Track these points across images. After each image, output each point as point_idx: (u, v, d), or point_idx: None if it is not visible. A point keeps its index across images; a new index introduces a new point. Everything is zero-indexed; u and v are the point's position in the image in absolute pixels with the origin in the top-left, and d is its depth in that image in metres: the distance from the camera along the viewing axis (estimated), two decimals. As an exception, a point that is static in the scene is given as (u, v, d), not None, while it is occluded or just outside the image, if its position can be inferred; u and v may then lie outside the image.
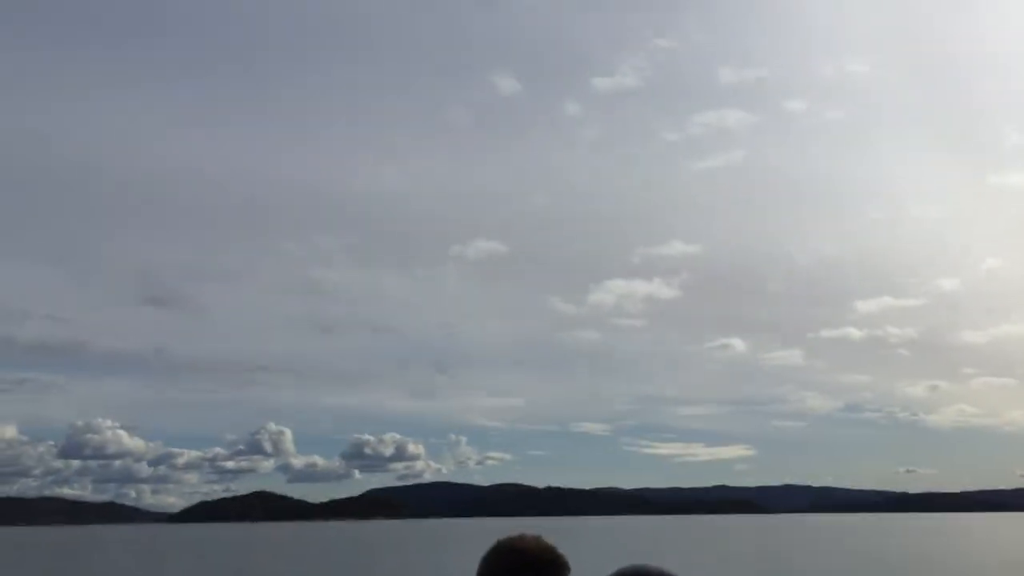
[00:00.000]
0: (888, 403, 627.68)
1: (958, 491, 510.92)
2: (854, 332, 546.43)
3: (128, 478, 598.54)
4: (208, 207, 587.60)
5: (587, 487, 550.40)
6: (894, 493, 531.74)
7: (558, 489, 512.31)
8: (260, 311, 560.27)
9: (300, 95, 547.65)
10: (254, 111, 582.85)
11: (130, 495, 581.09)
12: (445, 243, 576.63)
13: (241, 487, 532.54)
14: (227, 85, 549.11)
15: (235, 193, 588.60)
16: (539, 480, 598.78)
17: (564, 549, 1.93)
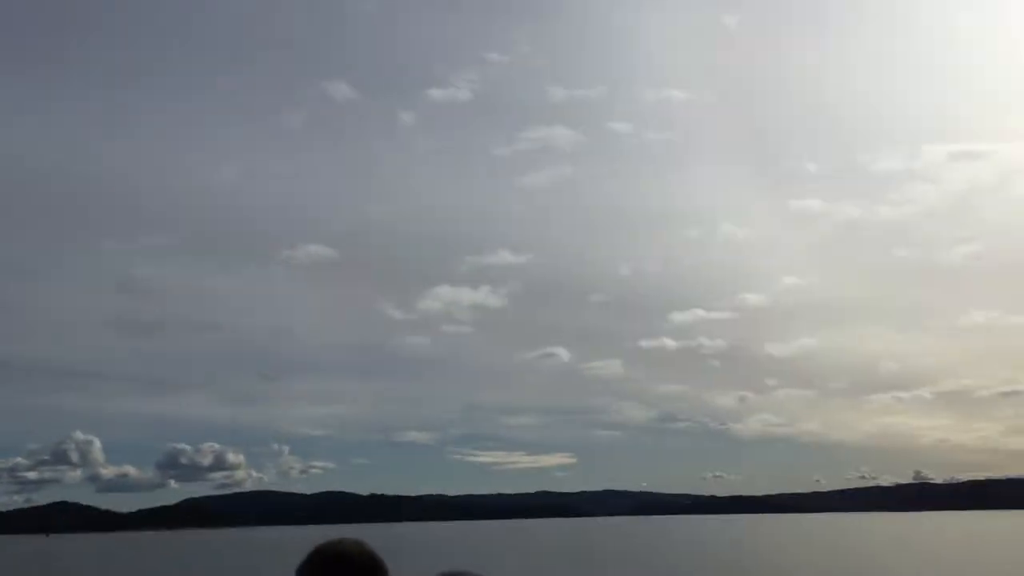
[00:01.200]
0: (699, 413, 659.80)
1: (761, 494, 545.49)
2: (669, 343, 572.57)
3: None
4: (19, 200, 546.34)
5: (412, 494, 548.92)
6: (704, 497, 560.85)
7: (382, 496, 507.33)
8: (73, 311, 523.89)
9: (125, 87, 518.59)
10: (74, 101, 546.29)
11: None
12: (274, 246, 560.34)
13: (43, 498, 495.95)
14: (45, 74, 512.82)
15: (52, 187, 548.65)
16: (364, 488, 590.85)
17: (386, 554, 1.87)
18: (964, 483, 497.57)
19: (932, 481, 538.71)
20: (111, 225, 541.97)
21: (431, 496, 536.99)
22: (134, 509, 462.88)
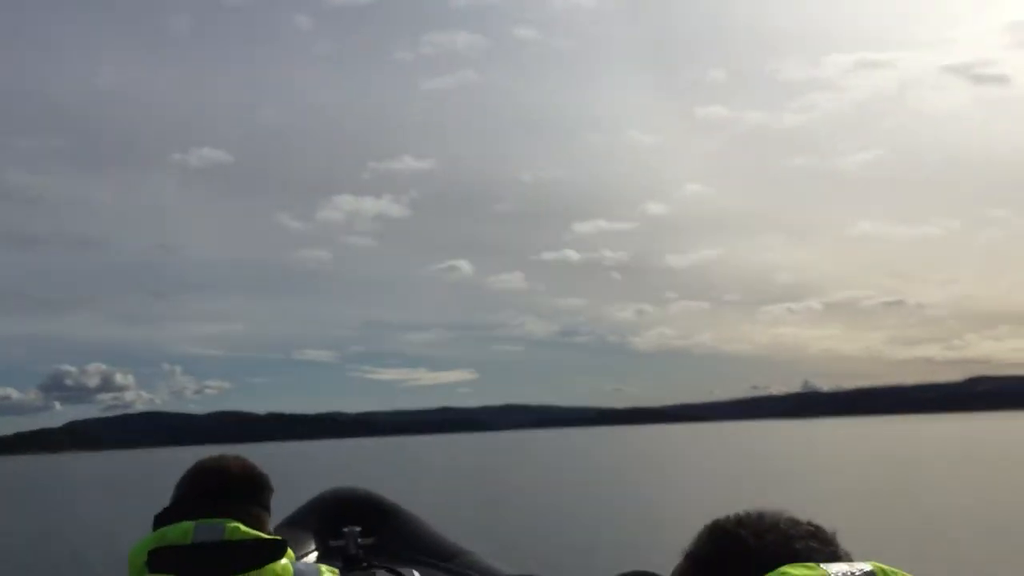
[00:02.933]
0: (599, 326, 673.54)
1: (659, 406, 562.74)
2: (572, 254, 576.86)
3: None
4: None
5: (312, 412, 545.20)
6: (604, 409, 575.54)
7: (280, 415, 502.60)
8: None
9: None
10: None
11: None
12: (163, 152, 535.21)
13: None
14: None
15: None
16: (261, 407, 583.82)
17: (279, 472, 1.80)
18: (850, 391, 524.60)
19: (820, 390, 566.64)
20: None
21: (330, 414, 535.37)
22: (10, 432, 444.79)
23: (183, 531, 1.74)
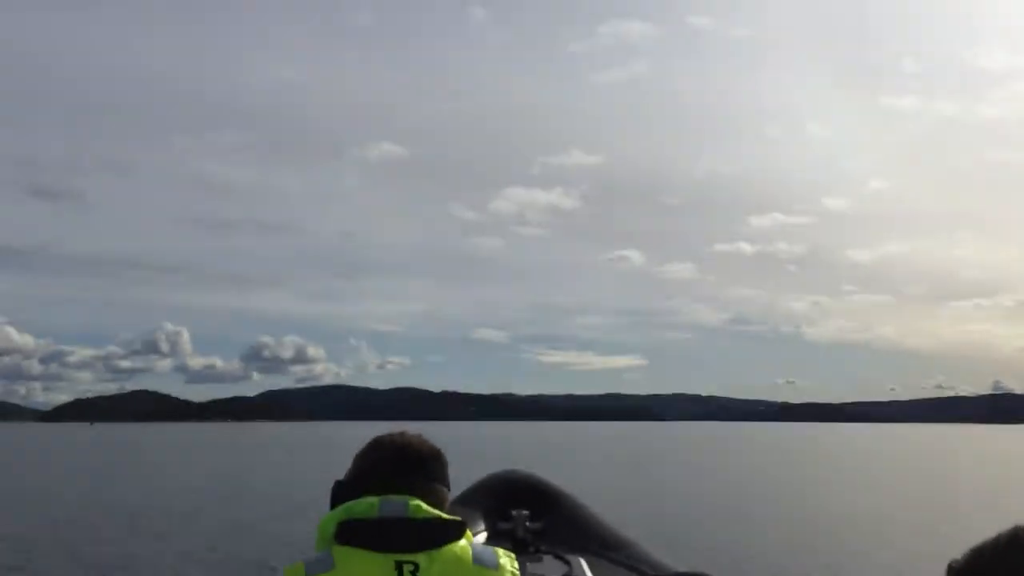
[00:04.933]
0: (773, 317, 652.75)
1: (835, 402, 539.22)
2: (746, 247, 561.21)
3: (17, 375, 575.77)
4: (97, 99, 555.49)
5: (484, 392, 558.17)
6: (776, 403, 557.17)
7: (454, 393, 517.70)
8: (150, 207, 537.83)
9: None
10: (146, 1, 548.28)
11: (19, 392, 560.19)
12: (345, 145, 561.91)
13: (137, 387, 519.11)
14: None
15: (125, 85, 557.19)
16: (436, 385, 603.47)
17: (450, 451, 1.95)
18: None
19: (1013, 392, 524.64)
20: (182, 123, 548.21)
21: (502, 395, 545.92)
22: (211, 399, 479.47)
23: (369, 505, 1.79)
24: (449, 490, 1.93)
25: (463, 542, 1.79)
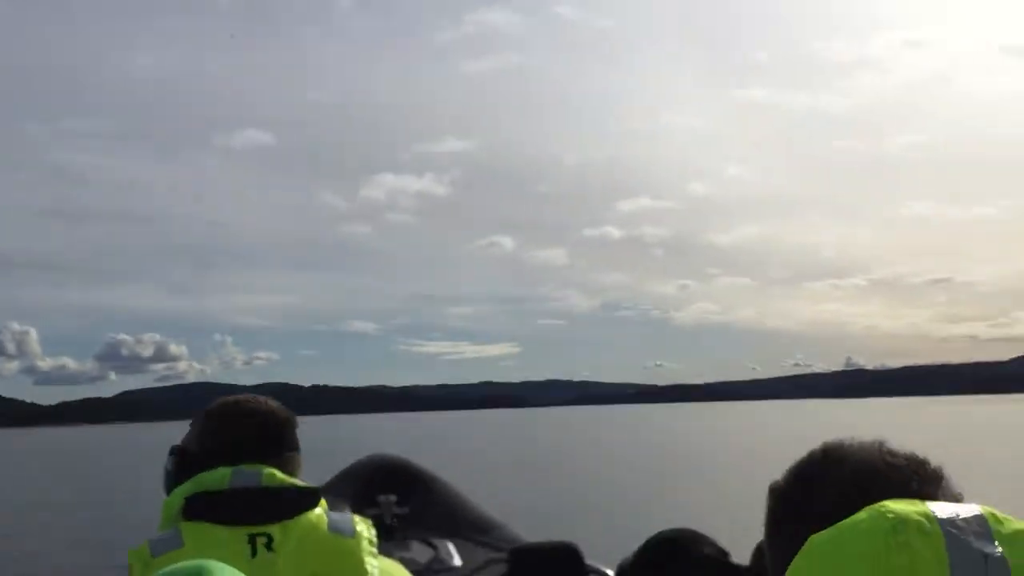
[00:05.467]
0: (641, 301, 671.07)
1: (700, 383, 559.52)
2: (614, 231, 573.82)
3: None
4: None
5: (357, 385, 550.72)
6: (645, 385, 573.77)
7: (324, 387, 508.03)
8: (3, 197, 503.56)
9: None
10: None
11: None
12: (208, 132, 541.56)
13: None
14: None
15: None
16: (306, 379, 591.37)
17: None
18: (894, 370, 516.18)
19: (863, 367, 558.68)
20: (34, 109, 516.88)
21: (375, 388, 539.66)
22: (55, 402, 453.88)
23: (220, 477, 1.72)
24: (299, 450, 1.86)
25: (318, 510, 1.73)
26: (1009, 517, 0.85)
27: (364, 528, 1.73)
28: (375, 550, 1.72)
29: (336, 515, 1.74)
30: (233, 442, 1.77)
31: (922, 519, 0.83)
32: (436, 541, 3.38)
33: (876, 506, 0.86)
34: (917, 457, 0.98)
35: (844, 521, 0.87)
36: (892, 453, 0.98)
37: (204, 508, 1.68)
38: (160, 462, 1.64)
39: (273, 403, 1.87)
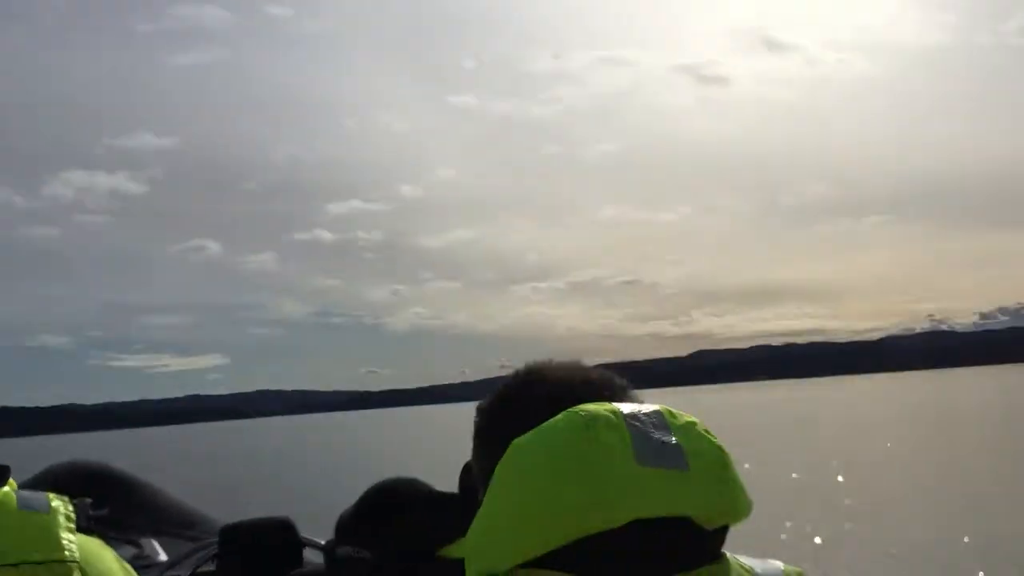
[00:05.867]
0: (355, 307, 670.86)
1: (413, 387, 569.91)
2: (326, 235, 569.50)
3: None
4: None
5: (44, 405, 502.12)
6: (359, 392, 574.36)
7: (6, 409, 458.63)
8: None
9: None
10: None
11: None
12: None
13: None
14: None
15: None
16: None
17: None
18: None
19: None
20: None
21: (65, 406, 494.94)
22: None
23: None
24: None
25: (6, 488, 1.64)
26: (681, 412, 0.98)
27: (60, 505, 1.67)
28: (73, 526, 1.65)
29: (27, 492, 1.67)
30: None
31: (610, 415, 0.94)
32: (139, 539, 3.33)
33: (572, 408, 0.96)
34: (607, 372, 1.11)
35: (543, 424, 0.96)
36: (586, 369, 1.10)
37: None
38: None
39: None
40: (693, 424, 0.96)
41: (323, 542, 2.74)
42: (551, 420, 0.96)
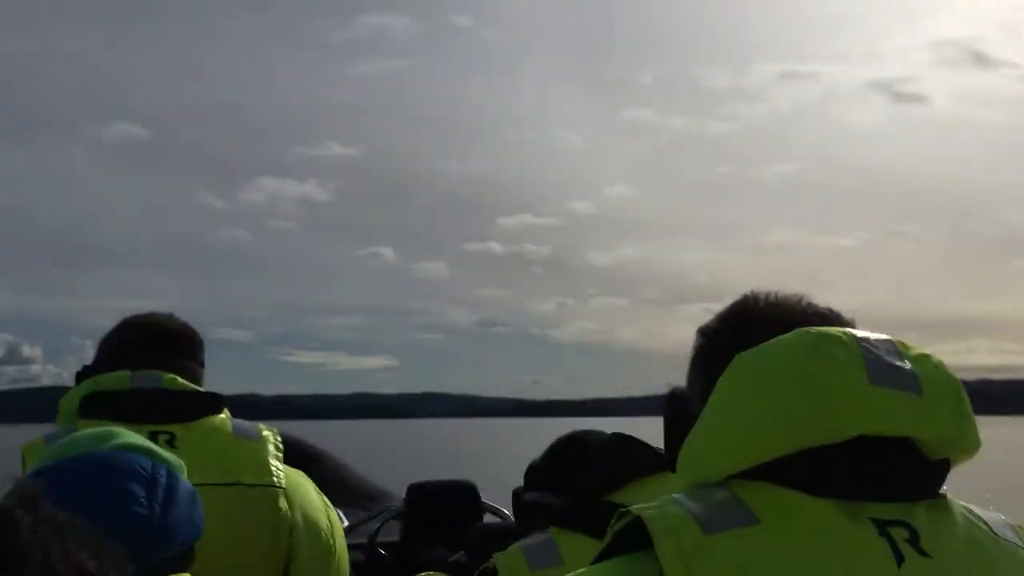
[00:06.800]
0: (521, 318, 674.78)
1: (576, 399, 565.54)
2: (496, 247, 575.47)
3: None
4: None
5: (224, 393, 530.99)
6: (523, 400, 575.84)
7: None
8: None
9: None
10: None
11: None
12: (76, 122, 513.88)
13: None
14: None
15: None
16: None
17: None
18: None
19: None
20: None
21: (244, 396, 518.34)
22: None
23: (119, 378, 1.69)
24: (203, 368, 1.85)
25: (222, 415, 1.74)
26: (914, 344, 0.94)
27: (270, 435, 1.76)
28: (281, 456, 1.74)
29: (241, 421, 1.76)
30: (134, 348, 1.76)
31: (841, 335, 0.92)
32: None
33: (799, 329, 0.95)
34: (833, 309, 1.07)
35: (768, 341, 0.95)
36: (812, 304, 1.06)
37: (102, 406, 1.64)
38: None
39: (175, 318, 1.86)
40: (928, 356, 0.93)
41: (505, 511, 3.01)
42: (779, 336, 0.95)
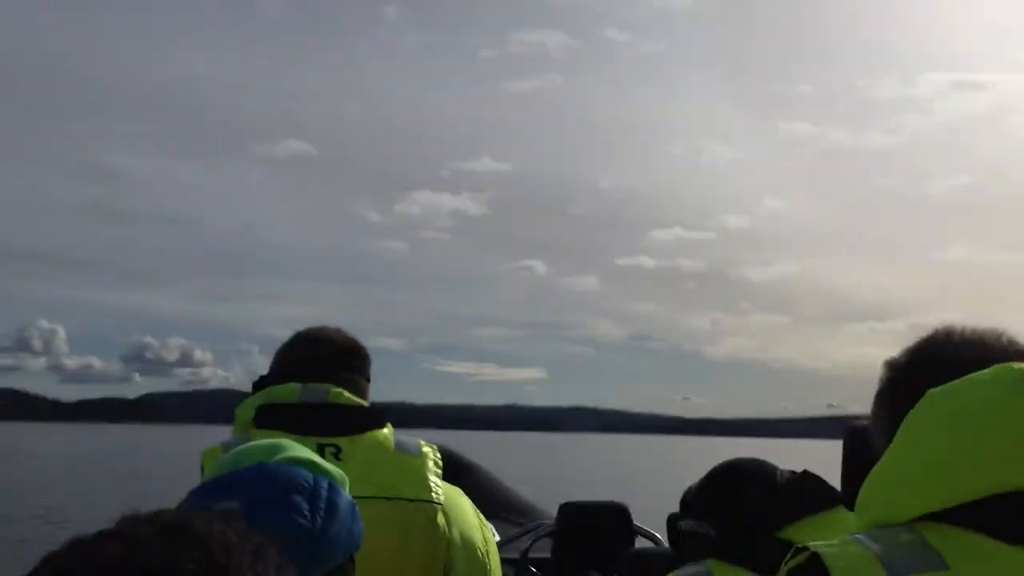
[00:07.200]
0: (673, 333, 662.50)
1: (729, 418, 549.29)
2: (648, 261, 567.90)
3: None
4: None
5: (378, 400, 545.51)
6: (674, 417, 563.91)
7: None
8: (39, 194, 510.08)
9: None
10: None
11: None
12: (250, 139, 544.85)
13: (2, 385, 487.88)
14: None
15: (20, 68, 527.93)
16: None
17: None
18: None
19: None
20: (83, 109, 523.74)
21: (398, 404, 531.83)
22: (75, 399, 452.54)
23: (290, 390, 1.78)
24: (369, 383, 1.92)
25: (385, 430, 1.80)
26: None
27: (430, 451, 1.83)
28: (440, 472, 1.80)
29: (403, 436, 1.83)
30: (306, 361, 1.85)
31: None
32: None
33: (999, 364, 0.89)
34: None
35: (963, 377, 0.89)
36: (1014, 340, 0.99)
37: (274, 418, 1.74)
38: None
39: (343, 333, 1.93)
40: None
41: (657, 536, 3.08)
42: (976, 373, 0.88)
